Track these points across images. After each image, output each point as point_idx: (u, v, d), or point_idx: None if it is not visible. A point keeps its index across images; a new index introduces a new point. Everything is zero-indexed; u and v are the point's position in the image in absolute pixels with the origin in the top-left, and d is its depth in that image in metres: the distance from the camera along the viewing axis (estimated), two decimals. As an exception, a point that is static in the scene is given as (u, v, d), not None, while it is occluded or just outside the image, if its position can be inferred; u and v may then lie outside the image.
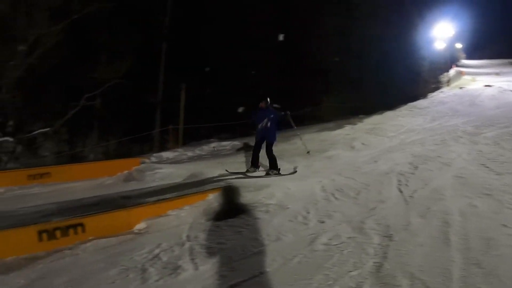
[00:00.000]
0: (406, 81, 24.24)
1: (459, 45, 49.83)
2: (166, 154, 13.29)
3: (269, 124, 10.13)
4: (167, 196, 7.68)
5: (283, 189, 7.81)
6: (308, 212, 6.63)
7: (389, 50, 23.56)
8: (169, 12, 20.72)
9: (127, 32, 18.11)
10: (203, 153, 13.22)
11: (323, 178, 8.46)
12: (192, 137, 17.65)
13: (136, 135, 17.09)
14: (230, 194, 7.54)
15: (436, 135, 12.28)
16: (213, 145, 14.26)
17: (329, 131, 14.24)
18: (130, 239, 6.38)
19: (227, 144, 14.00)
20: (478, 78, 31.34)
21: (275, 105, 10.65)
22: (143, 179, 10.10)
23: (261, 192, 7.67)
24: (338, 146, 12.14)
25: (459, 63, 46.80)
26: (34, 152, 18.60)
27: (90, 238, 6.41)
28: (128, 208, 7.09)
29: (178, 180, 9.61)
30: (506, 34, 61.14)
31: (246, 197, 7.49)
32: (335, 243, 5.40)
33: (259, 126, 10.18)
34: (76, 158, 18.51)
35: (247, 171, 10.03)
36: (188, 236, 6.12)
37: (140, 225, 6.81)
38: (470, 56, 60.05)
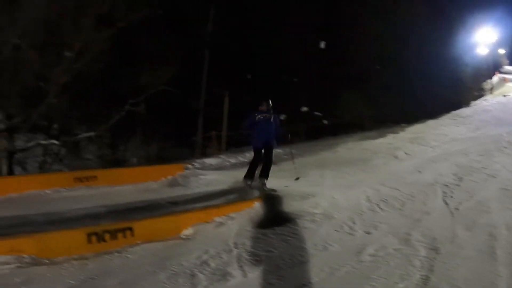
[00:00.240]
0: (448, 88, 23.79)
1: (502, 51, 48.62)
2: (209, 160, 13.39)
3: (270, 127, 9.47)
4: (214, 202, 7.80)
5: (329, 199, 7.84)
6: (354, 223, 6.66)
7: (430, 56, 23.22)
8: (211, 19, 20.95)
9: (171, 40, 18.39)
10: (246, 160, 13.25)
11: (368, 188, 8.45)
12: (232, 144, 17.77)
13: (179, 140, 17.33)
14: (275, 202, 7.62)
15: (480, 145, 12.12)
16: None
17: (370, 140, 14.16)
18: (178, 244, 6.48)
19: (269, 151, 14.00)
20: (523, 85, 30.65)
21: (281, 118, 10.46)
22: (187, 185, 10.23)
23: (306, 201, 7.71)
24: (381, 156, 12.06)
25: (502, 70, 45.69)
26: (78, 155, 19.04)
27: (138, 242, 6.53)
28: (176, 214, 7.28)
29: (223, 186, 9.66)
30: (551, 40, 59.46)
31: (291, 206, 7.54)
32: (381, 254, 5.43)
33: (258, 129, 9.42)
34: (118, 162, 18.87)
35: (247, 183, 9.27)
36: (235, 243, 6.18)
37: (187, 231, 6.89)
38: (514, 62, 58.62)
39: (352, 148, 12.99)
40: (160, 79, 17.14)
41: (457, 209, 6.88)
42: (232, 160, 13.48)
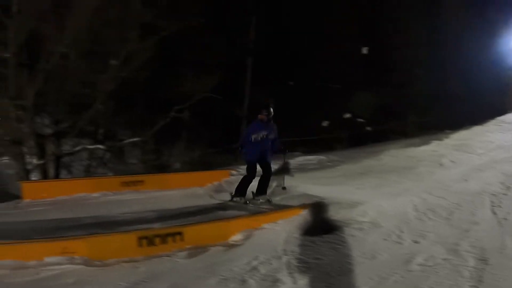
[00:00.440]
0: (493, 93, 23.29)
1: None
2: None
3: (267, 140, 8.92)
4: (261, 209, 7.90)
5: (376, 207, 7.85)
6: (402, 231, 6.69)
7: (473, 61, 22.77)
8: (254, 26, 21.10)
9: (214, 47, 18.63)
10: (290, 167, 13.29)
11: (414, 197, 8.41)
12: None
13: (222, 147, 17.51)
14: (323, 210, 7.66)
15: (527, 153, 11.89)
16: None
17: (414, 147, 13.95)
18: (227, 250, 6.62)
19: (313, 158, 14.00)
20: None
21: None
22: (233, 191, 10.36)
23: (354, 209, 7.75)
24: (426, 163, 11.86)
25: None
26: (122, 160, 19.47)
27: (188, 246, 6.69)
28: (226, 220, 7.45)
29: (268, 192, 9.54)
30: None
31: (339, 214, 7.58)
32: (430, 264, 5.46)
33: (253, 143, 8.82)
34: (162, 167, 19.20)
35: (240, 201, 8.91)
36: (284, 250, 6.27)
37: (236, 237, 7.03)
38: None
39: (395, 155, 12.84)
40: (205, 86, 17.38)
41: (506, 219, 6.83)
42: (276, 167, 13.50)
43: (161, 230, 6.93)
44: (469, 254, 5.61)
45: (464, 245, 5.93)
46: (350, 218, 7.36)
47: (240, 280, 5.40)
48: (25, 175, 15.38)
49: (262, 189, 8.94)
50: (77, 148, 17.17)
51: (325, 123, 18.68)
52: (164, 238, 6.76)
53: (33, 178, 15.36)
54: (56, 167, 16.32)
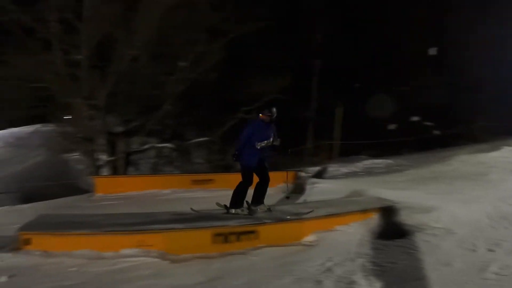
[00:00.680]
0: None
1: None
2: (320, 169, 13.51)
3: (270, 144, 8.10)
4: (332, 211, 7.91)
5: (449, 213, 7.77)
6: (476, 239, 6.64)
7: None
8: (322, 28, 21.14)
9: (282, 50, 18.81)
10: (357, 170, 13.27)
11: (487, 204, 8.31)
12: (342, 153, 17.80)
13: (287, 148, 17.62)
14: (395, 214, 7.68)
15: None
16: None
17: (484, 153, 13.64)
18: (300, 250, 6.70)
19: (380, 162, 13.94)
20: None
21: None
22: (302, 192, 10.54)
23: (427, 214, 7.68)
24: (497, 170, 11.51)
25: None
26: (188, 159, 19.97)
27: (261, 245, 6.84)
28: (299, 220, 7.48)
29: (338, 196, 9.75)
30: None
31: (412, 219, 7.55)
32: (505, 274, 5.42)
33: (252, 147, 7.95)
34: (227, 167, 19.52)
35: (242, 212, 8.07)
36: (358, 253, 6.31)
37: (309, 238, 7.11)
38: None
39: (465, 161, 12.57)
40: (273, 88, 17.57)
41: None
42: (343, 169, 13.53)
43: (236, 227, 7.07)
44: (547, 265, 5.53)
45: (541, 255, 5.87)
46: (423, 224, 7.33)
47: (315, 280, 5.45)
48: (96, 170, 16.12)
49: (260, 197, 8.17)
50: (146, 147, 17.88)
51: (392, 126, 18.47)
52: (238, 235, 6.94)
53: (104, 174, 16.04)
54: (125, 164, 17.00)
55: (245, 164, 8.07)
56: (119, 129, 17.22)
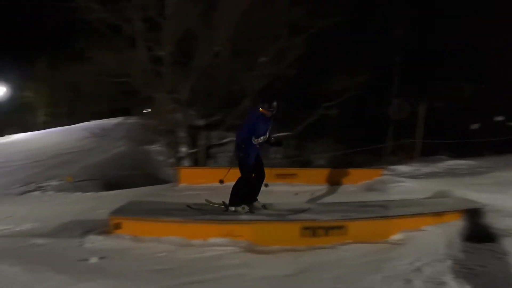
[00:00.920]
0: None
1: None
2: (401, 168, 13.41)
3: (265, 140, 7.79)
4: (418, 210, 7.89)
5: (542, 219, 7.52)
6: None
7: None
8: (404, 24, 20.85)
9: (363, 46, 18.72)
10: (439, 170, 13.04)
11: None
12: (423, 152, 17.50)
13: (365, 146, 17.59)
14: (484, 217, 7.56)
15: None
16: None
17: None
18: (388, 248, 6.70)
19: (463, 163, 13.65)
20: None
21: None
22: (385, 191, 10.49)
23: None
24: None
25: None
26: (265, 154, 20.23)
27: (349, 241, 6.92)
28: (388, 218, 7.48)
29: (422, 196, 9.63)
30: None
31: (501, 222, 7.36)
32: None
33: (254, 145, 7.64)
34: (304, 163, 19.69)
35: (247, 208, 7.89)
36: (447, 254, 6.24)
37: (396, 236, 7.09)
38: None
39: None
40: (354, 84, 17.57)
41: None
42: (425, 169, 13.33)
43: (325, 222, 7.18)
44: None
45: None
46: (514, 228, 7.13)
47: (404, 279, 5.48)
48: (177, 162, 16.72)
49: (254, 194, 7.99)
50: (225, 140, 18.30)
51: (474, 126, 17.95)
52: (327, 230, 7.06)
53: (185, 165, 16.58)
54: (205, 157, 17.52)
55: (250, 162, 7.80)
56: (200, 122, 17.73)
